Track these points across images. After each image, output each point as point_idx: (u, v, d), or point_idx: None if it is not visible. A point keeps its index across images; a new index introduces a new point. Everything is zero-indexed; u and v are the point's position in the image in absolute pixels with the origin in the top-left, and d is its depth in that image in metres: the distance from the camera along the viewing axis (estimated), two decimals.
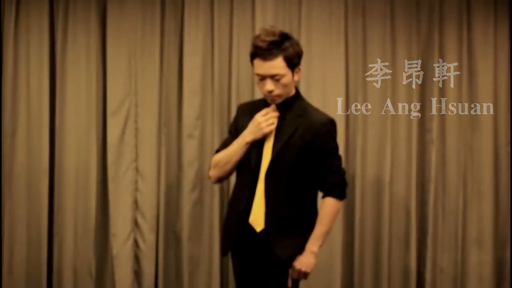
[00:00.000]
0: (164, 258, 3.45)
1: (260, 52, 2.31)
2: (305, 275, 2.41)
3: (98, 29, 3.42)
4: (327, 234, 2.43)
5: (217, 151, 2.55)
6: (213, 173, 2.51)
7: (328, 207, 2.42)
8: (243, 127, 2.48)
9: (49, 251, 3.43)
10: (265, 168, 2.37)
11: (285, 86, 2.36)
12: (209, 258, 3.46)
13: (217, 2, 3.44)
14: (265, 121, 2.39)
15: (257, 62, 2.34)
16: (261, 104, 2.51)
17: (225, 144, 2.54)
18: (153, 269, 3.44)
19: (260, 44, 2.30)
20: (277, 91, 2.35)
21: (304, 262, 2.39)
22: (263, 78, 2.35)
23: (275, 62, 2.31)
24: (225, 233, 2.54)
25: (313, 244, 2.40)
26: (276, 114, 2.41)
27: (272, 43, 2.30)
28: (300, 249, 2.41)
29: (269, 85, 2.34)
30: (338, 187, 2.43)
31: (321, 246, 2.42)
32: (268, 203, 2.37)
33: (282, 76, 2.33)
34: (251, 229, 2.40)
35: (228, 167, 2.47)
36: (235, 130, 2.54)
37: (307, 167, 2.40)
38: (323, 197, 2.45)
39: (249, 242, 2.43)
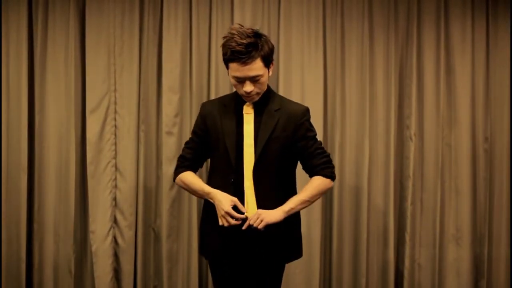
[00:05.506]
0: (143, 255, 3.46)
1: (238, 56, 2.28)
2: (261, 223, 2.30)
3: (77, 26, 3.40)
4: (304, 204, 2.40)
5: (185, 146, 2.61)
6: (177, 183, 2.60)
7: (316, 180, 2.43)
8: (214, 126, 2.47)
9: (28, 248, 3.42)
10: (251, 165, 2.38)
11: (263, 84, 2.39)
12: (188, 255, 3.47)
13: (195, 0, 3.45)
14: (224, 217, 2.33)
15: (234, 66, 2.32)
16: (230, 100, 2.51)
17: (190, 148, 2.57)
18: (132, 266, 3.44)
19: (238, 48, 2.27)
20: (256, 90, 2.38)
21: (268, 212, 2.32)
22: (241, 80, 2.35)
23: (254, 65, 2.30)
24: (209, 235, 2.48)
25: (286, 205, 2.37)
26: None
27: (249, 45, 2.28)
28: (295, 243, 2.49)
29: (248, 87, 2.35)
30: (327, 167, 2.45)
31: (292, 210, 2.37)
32: (258, 200, 2.37)
33: (261, 76, 2.35)
34: (240, 229, 2.35)
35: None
36: (202, 130, 2.53)
37: (292, 157, 2.44)
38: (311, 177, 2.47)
39: (239, 242, 2.41)
